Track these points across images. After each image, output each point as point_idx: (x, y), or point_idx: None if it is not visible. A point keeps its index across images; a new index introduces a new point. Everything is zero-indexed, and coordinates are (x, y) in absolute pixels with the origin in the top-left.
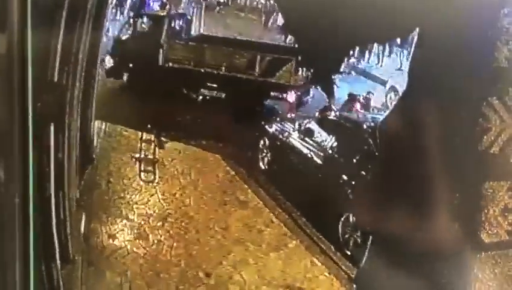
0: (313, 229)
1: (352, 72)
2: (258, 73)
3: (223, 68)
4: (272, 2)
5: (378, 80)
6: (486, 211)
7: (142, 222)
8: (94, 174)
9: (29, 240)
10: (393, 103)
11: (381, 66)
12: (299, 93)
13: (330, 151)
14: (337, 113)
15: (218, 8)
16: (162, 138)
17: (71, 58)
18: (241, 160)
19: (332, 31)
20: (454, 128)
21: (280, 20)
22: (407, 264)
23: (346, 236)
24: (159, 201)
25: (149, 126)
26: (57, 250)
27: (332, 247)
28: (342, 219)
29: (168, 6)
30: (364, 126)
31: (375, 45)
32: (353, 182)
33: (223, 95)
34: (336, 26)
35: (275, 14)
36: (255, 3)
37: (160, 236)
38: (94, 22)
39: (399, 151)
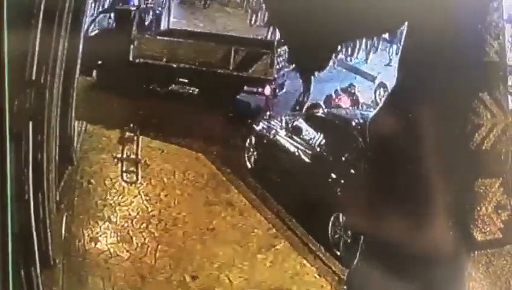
0: (301, 230)
1: (340, 68)
2: (233, 67)
3: (196, 63)
4: None
5: (367, 76)
6: (478, 208)
7: (126, 225)
8: (75, 175)
9: (7, 244)
10: (383, 99)
11: (367, 61)
12: (274, 87)
13: (318, 149)
14: (325, 110)
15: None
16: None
17: (50, 57)
18: (226, 159)
19: (320, 26)
20: (445, 124)
21: (265, 16)
22: (399, 264)
23: (336, 236)
24: (143, 202)
25: (131, 125)
26: (37, 254)
27: (321, 248)
28: (332, 218)
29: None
30: (353, 123)
31: (363, 40)
32: (342, 181)
33: (196, 91)
34: (324, 21)
35: (260, 10)
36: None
37: (144, 239)
38: (73, 21)
39: (389, 149)
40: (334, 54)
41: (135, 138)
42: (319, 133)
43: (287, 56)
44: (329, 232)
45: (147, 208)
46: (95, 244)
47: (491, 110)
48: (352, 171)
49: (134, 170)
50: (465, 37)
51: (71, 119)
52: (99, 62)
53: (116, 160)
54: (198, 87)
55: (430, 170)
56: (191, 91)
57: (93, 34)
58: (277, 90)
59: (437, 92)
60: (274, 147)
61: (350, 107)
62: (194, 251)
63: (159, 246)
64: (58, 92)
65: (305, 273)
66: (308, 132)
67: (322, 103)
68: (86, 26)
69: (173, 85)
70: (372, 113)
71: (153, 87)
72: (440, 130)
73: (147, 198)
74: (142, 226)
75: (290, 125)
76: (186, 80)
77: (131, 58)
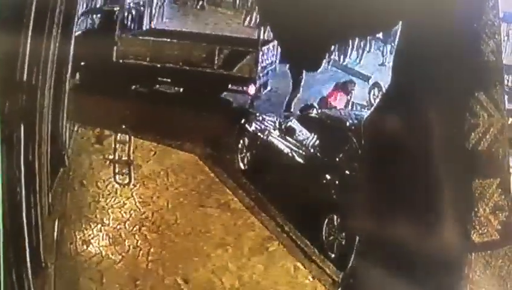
0: (295, 232)
1: (335, 69)
2: (217, 66)
3: (180, 62)
4: None
5: (360, 76)
6: (476, 209)
7: (118, 227)
8: (67, 177)
9: None
10: (377, 99)
11: (361, 61)
12: (258, 86)
13: (312, 150)
14: (319, 110)
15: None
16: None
17: (41, 58)
18: (219, 160)
19: (313, 26)
20: (441, 124)
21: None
22: (394, 267)
23: (331, 238)
24: (135, 204)
25: (123, 126)
26: (28, 257)
27: (316, 250)
28: (326, 220)
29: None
30: (347, 124)
31: (356, 40)
32: (337, 182)
33: (181, 90)
34: (317, 21)
35: (253, 11)
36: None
37: (137, 241)
38: (64, 21)
39: (384, 150)
40: (327, 54)
41: (128, 139)
42: (312, 134)
43: (277, 56)
44: (324, 234)
45: (140, 210)
46: (87, 247)
47: (488, 109)
48: (346, 172)
49: (127, 171)
50: (460, 36)
51: (63, 120)
52: (82, 63)
53: (108, 162)
54: (183, 86)
55: (425, 171)
56: (176, 91)
57: (76, 35)
58: (261, 88)
59: (432, 91)
60: (267, 148)
61: (344, 108)
62: (186, 254)
63: (152, 249)
64: (50, 93)
65: (299, 276)
66: (302, 132)
67: (316, 104)
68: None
69: (157, 85)
70: (366, 113)
71: (136, 88)
72: (436, 131)
73: (140, 200)
74: (134, 229)
75: (283, 126)
76: (170, 80)
77: (114, 59)
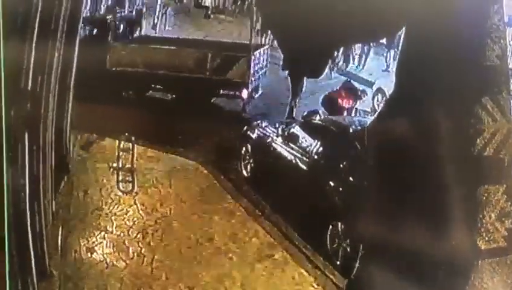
0: (299, 239)
1: (338, 75)
2: (210, 71)
3: (173, 69)
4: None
5: (364, 82)
6: (482, 216)
7: (122, 234)
8: (71, 185)
9: (4, 255)
10: (381, 105)
11: (364, 67)
12: (250, 90)
13: (316, 157)
14: (323, 117)
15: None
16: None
17: (45, 66)
18: (223, 168)
19: (316, 32)
20: (446, 130)
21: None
22: (400, 273)
23: (335, 245)
24: (139, 212)
25: (126, 134)
26: (34, 265)
27: (320, 257)
28: (330, 227)
29: (115, 9)
30: (351, 130)
31: (360, 45)
32: (341, 189)
33: (173, 97)
34: (320, 27)
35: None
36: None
37: (141, 249)
38: (68, 32)
39: (388, 156)
40: (330, 61)
41: (131, 147)
42: (316, 141)
43: (268, 60)
44: (328, 241)
45: (143, 217)
46: (91, 254)
47: (493, 115)
48: (350, 178)
49: (130, 179)
50: (465, 41)
51: (67, 128)
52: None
53: (112, 169)
54: (175, 93)
55: (430, 177)
56: (175, 98)
57: None
58: (253, 93)
59: (437, 97)
60: (271, 155)
61: (347, 114)
62: (190, 261)
63: (155, 256)
64: (54, 101)
65: (303, 283)
66: (305, 139)
67: (320, 111)
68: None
69: (149, 92)
70: (370, 119)
71: (129, 95)
72: (440, 136)
73: (143, 207)
74: (138, 236)
75: (286, 132)
76: (162, 87)
77: (108, 67)
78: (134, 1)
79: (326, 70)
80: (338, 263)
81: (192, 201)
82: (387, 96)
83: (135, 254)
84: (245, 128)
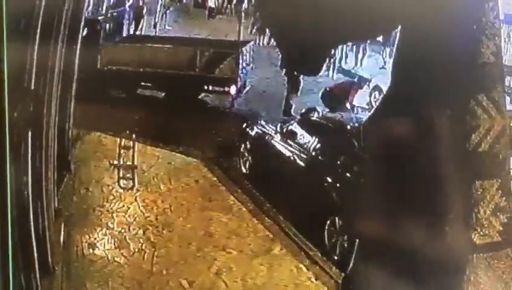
0: (298, 234)
1: (335, 72)
2: (199, 68)
3: (163, 67)
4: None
5: (361, 79)
6: (477, 211)
7: (123, 231)
8: (72, 182)
9: (8, 251)
10: (378, 102)
11: (361, 65)
12: (239, 86)
13: (314, 154)
14: (321, 114)
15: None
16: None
17: (47, 66)
18: (222, 165)
19: (313, 30)
20: (442, 126)
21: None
22: (396, 269)
23: (333, 241)
24: (139, 208)
25: (127, 132)
26: (37, 261)
27: (318, 252)
28: (328, 222)
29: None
30: (349, 127)
31: (357, 44)
32: (338, 185)
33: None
34: (317, 25)
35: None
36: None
37: (141, 245)
38: (70, 32)
39: (384, 152)
40: (328, 59)
41: (132, 144)
42: (314, 137)
43: (254, 56)
44: (326, 236)
45: (144, 214)
46: (93, 251)
47: (489, 111)
48: (347, 174)
49: (131, 176)
50: (460, 38)
51: (69, 127)
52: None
53: (113, 167)
54: (165, 90)
55: (426, 173)
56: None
57: None
58: (242, 88)
59: (432, 94)
60: (269, 152)
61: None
62: (190, 256)
63: (156, 252)
64: (56, 100)
65: (302, 278)
66: (303, 136)
67: (318, 108)
68: None
69: (139, 90)
70: (366, 116)
71: (119, 93)
72: (436, 132)
73: (144, 204)
74: (139, 232)
75: (284, 130)
76: (151, 84)
77: (99, 66)
78: (124, 1)
79: (324, 68)
80: (336, 257)
81: (192, 197)
82: (384, 94)
83: (136, 250)
84: (244, 125)
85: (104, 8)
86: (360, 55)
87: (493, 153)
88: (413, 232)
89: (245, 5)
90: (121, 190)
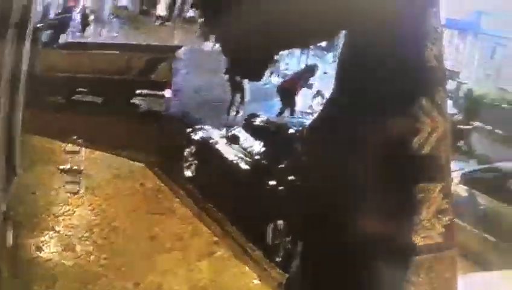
0: (241, 236)
1: (279, 77)
2: (134, 73)
3: (99, 72)
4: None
5: (308, 68)
6: (419, 213)
7: (69, 233)
8: (20, 186)
9: None
10: (320, 107)
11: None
12: (174, 89)
13: (257, 157)
14: (265, 118)
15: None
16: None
17: None
18: (167, 168)
19: (256, 37)
20: (384, 129)
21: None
22: (338, 270)
23: (276, 242)
24: (85, 212)
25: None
26: None
27: (261, 254)
28: (271, 225)
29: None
30: (291, 131)
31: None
32: (281, 188)
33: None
34: (260, 31)
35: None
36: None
37: (88, 247)
38: (18, 36)
39: (327, 156)
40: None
41: (78, 149)
42: (258, 141)
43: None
44: (269, 238)
45: (90, 217)
46: (40, 253)
47: (431, 114)
48: (291, 177)
49: (77, 180)
50: (404, 42)
51: (17, 131)
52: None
53: (59, 171)
54: (101, 95)
55: (369, 176)
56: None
57: None
58: (176, 92)
59: (376, 98)
60: (213, 156)
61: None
62: (135, 259)
63: (102, 254)
64: (6, 104)
65: (245, 279)
66: (247, 140)
67: (261, 113)
68: None
69: (75, 95)
70: (309, 120)
71: (57, 99)
72: (378, 135)
73: (90, 208)
74: (85, 235)
75: (229, 134)
76: (87, 90)
77: (37, 72)
78: (60, 8)
79: (267, 74)
80: (279, 259)
81: (137, 201)
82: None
83: (83, 252)
84: (189, 130)
85: (52, 14)
86: (303, 61)
87: (435, 156)
88: (356, 234)
89: (190, 13)
90: (67, 194)
